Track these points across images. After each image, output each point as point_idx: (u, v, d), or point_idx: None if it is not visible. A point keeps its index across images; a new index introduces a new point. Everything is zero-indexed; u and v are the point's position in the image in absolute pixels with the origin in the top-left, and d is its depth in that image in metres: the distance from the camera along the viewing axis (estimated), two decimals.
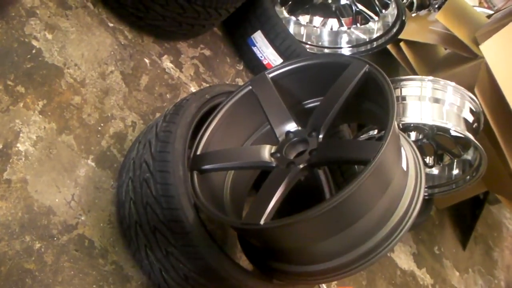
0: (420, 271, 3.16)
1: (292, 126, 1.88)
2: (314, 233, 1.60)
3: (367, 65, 1.79)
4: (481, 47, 2.63)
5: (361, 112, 1.97)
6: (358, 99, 1.87)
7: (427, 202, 3.01)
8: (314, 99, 2.06)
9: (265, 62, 2.69)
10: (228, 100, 1.98)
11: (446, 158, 2.98)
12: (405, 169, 1.72)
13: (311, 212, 1.45)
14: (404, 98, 2.55)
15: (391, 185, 1.61)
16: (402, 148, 1.74)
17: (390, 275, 2.93)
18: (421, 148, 2.93)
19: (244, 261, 2.00)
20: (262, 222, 1.54)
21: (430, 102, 2.50)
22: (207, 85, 2.55)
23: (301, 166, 1.71)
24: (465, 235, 3.64)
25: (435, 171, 2.99)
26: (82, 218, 1.84)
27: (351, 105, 1.85)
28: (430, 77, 2.53)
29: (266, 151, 1.82)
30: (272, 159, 1.79)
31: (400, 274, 3.01)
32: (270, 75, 1.98)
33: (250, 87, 1.99)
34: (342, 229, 1.58)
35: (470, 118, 2.55)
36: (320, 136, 1.78)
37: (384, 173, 1.58)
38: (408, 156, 1.79)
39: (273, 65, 2.67)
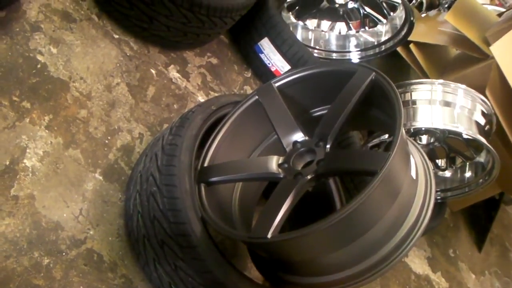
0: (435, 275, 3.13)
1: (299, 136, 1.87)
2: (323, 246, 1.58)
3: (374, 73, 1.77)
4: (492, 48, 2.60)
5: (369, 120, 1.95)
6: (365, 107, 1.85)
7: (441, 205, 2.97)
8: (321, 107, 2.05)
9: (272, 69, 2.68)
10: (234, 111, 1.97)
11: (459, 161, 2.94)
12: (414, 177, 1.70)
13: (319, 225, 1.43)
14: (414, 102, 2.52)
15: (400, 195, 1.59)
16: (411, 156, 1.72)
17: (404, 280, 2.90)
18: (433, 151, 2.90)
19: (254, 271, 1.98)
20: (269, 235, 1.53)
21: (441, 105, 2.47)
22: (215, 94, 2.54)
23: (309, 177, 1.69)
24: (481, 237, 3.59)
25: (447, 174, 2.96)
26: (91, 232, 1.84)
27: (358, 113, 1.83)
28: (440, 80, 2.50)
29: (274, 162, 1.81)
30: (280, 170, 1.78)
31: (414, 278, 2.98)
32: (276, 84, 1.97)
33: (256, 97, 1.98)
34: (352, 240, 1.57)
35: (482, 121, 2.51)
36: (328, 146, 1.76)
37: (393, 183, 1.56)
38: (417, 164, 1.77)
39: (281, 72, 2.65)
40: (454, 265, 3.32)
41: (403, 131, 1.58)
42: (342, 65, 1.92)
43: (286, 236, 1.54)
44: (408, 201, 1.65)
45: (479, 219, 3.64)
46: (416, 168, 1.74)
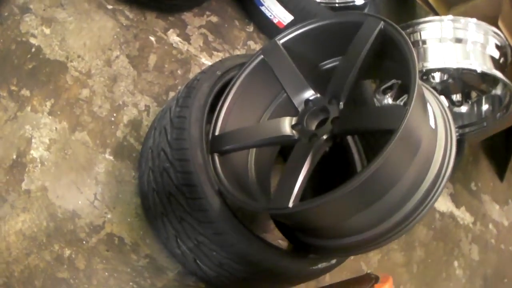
0: (459, 211, 3.10)
1: (310, 94, 1.80)
2: (345, 210, 1.54)
3: (382, 22, 1.68)
4: None
5: (382, 70, 1.87)
6: (376, 57, 1.76)
7: (459, 143, 2.90)
8: (331, 60, 1.96)
9: (275, 21, 2.57)
10: (240, 74, 1.90)
11: (474, 95, 2.86)
12: (433, 127, 1.63)
13: (340, 191, 1.39)
14: (424, 42, 2.42)
15: (421, 147, 1.53)
16: (428, 104, 1.65)
17: (429, 221, 2.87)
18: (447, 87, 2.82)
19: (278, 232, 1.94)
20: (290, 205, 1.49)
21: (452, 42, 2.37)
22: (218, 53, 2.46)
23: (325, 137, 1.63)
24: (501, 167, 3.53)
25: (463, 109, 2.87)
26: (108, 216, 1.81)
27: (370, 65, 1.75)
28: (450, 17, 2.39)
29: (287, 124, 1.75)
30: (294, 131, 1.73)
31: (439, 217, 2.95)
32: (281, 41, 1.89)
33: (262, 57, 1.90)
34: (376, 200, 1.53)
35: (496, 54, 2.42)
36: (341, 103, 1.70)
37: (412, 137, 1.50)
38: (435, 111, 1.70)
39: (283, 23, 2.55)
40: (477, 198, 3.29)
41: (419, 82, 1.51)
42: (349, 15, 1.82)
43: (308, 205, 1.49)
44: (429, 152, 1.60)
45: (498, 149, 3.57)
46: (434, 116, 1.67)
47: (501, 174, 3.53)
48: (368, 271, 1.64)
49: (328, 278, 2.14)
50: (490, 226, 3.24)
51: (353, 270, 2.38)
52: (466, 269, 2.96)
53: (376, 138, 2.17)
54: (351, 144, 2.09)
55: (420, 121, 1.53)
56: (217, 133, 1.82)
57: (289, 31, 1.90)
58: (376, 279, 1.45)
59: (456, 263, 2.92)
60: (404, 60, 1.55)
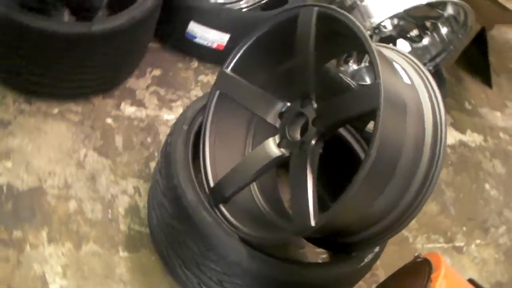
0: (466, 135, 3.06)
1: (280, 106, 1.75)
2: (366, 200, 1.50)
3: (316, 8, 1.64)
4: None
5: (337, 48, 1.90)
6: (327, 40, 1.72)
7: (437, 74, 2.87)
8: (287, 61, 1.91)
9: (214, 46, 2.53)
10: (206, 117, 1.86)
11: (429, 24, 2.83)
12: (409, 82, 1.60)
13: (352, 188, 1.35)
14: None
15: (407, 107, 1.49)
16: (394, 64, 1.62)
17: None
18: (402, 29, 2.79)
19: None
20: (313, 223, 1.45)
21: None
22: (176, 103, 2.40)
23: (313, 141, 1.59)
24: (485, 74, 3.48)
25: (426, 41, 2.84)
26: None
27: (323, 49, 1.70)
28: None
29: (272, 145, 1.72)
30: (282, 149, 1.70)
31: (451, 151, 2.92)
32: (229, 69, 1.85)
33: (219, 91, 1.86)
34: (390, 177, 1.47)
35: None
36: (313, 102, 1.65)
37: (396, 104, 1.46)
38: (403, 66, 1.67)
39: (223, 45, 2.51)
40: (477, 114, 3.26)
41: (378, 50, 1.48)
42: (282, 14, 1.77)
43: (330, 214, 1.44)
44: (417, 106, 1.57)
45: (474, 59, 3.52)
46: (405, 71, 1.64)
47: (487, 81, 3.49)
48: (415, 254, 1.58)
49: (378, 262, 2.08)
50: (501, 134, 3.21)
51: (395, 240, 2.33)
52: (499, 185, 2.92)
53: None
54: (345, 135, 2.06)
55: (395, 86, 1.49)
56: (211, 184, 1.78)
57: (232, 55, 1.87)
58: (429, 265, 1.39)
59: (487, 186, 2.88)
60: (352, 32, 1.51)
